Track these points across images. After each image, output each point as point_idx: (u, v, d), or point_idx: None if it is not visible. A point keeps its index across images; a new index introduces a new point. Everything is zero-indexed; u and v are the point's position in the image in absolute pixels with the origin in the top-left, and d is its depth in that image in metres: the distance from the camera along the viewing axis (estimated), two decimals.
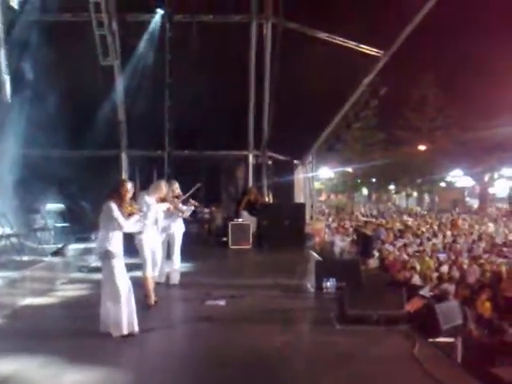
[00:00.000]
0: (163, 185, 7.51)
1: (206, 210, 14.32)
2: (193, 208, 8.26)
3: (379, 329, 6.01)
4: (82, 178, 12.39)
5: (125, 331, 5.71)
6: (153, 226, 7.25)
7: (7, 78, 11.03)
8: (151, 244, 7.21)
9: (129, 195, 5.92)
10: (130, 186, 5.93)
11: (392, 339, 5.76)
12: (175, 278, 8.39)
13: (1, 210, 8.96)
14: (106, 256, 5.74)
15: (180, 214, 8.17)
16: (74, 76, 11.75)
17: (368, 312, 6.19)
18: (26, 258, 8.49)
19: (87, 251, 10.44)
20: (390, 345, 5.62)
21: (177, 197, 8.05)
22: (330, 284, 7.86)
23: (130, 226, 5.89)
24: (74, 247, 10.22)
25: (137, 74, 12.48)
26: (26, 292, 7.35)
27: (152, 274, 7.21)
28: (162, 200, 7.37)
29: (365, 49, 12.55)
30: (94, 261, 10.32)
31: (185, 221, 8.69)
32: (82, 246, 10.54)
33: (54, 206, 11.02)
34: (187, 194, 8.18)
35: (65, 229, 10.88)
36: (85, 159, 12.67)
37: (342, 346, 5.57)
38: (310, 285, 8.22)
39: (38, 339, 5.60)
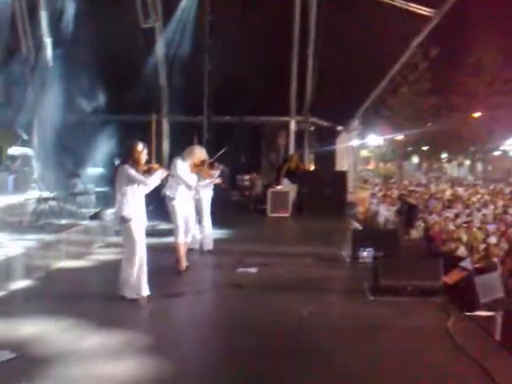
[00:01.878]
0: (197, 150, 7.36)
1: (247, 177, 14.20)
2: (218, 172, 8.07)
3: (413, 300, 5.76)
4: (122, 143, 12.43)
5: (142, 293, 5.71)
6: (185, 191, 7.15)
7: (48, 41, 11.07)
8: (184, 210, 7.14)
9: (143, 157, 5.76)
10: (141, 147, 5.75)
11: (426, 311, 5.52)
12: (208, 244, 8.33)
13: (40, 174, 9.11)
14: (122, 220, 5.70)
15: (209, 181, 8.02)
16: (114, 40, 11.66)
17: (403, 283, 5.95)
18: (63, 222, 8.63)
19: None
20: (423, 317, 5.38)
21: (202, 162, 7.90)
22: (366, 254, 7.63)
23: (152, 180, 5.75)
24: (112, 211, 10.31)
25: (177, 37, 12.27)
26: (62, 255, 7.47)
27: (184, 239, 7.17)
28: (196, 165, 7.23)
29: (415, 8, 11.84)
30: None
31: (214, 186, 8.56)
32: None
33: (94, 170, 11.14)
34: (213, 159, 8.01)
35: (104, 193, 11.00)
36: (126, 124, 12.67)
37: (373, 318, 5.37)
38: (346, 254, 8.00)
39: (66, 302, 5.67)
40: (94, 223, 9.06)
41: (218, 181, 8.16)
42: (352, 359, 4.42)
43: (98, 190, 10.92)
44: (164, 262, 7.16)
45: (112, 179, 11.09)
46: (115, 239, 9.38)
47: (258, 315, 5.43)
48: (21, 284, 6.15)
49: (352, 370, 4.20)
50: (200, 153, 7.42)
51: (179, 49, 12.32)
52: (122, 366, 4.08)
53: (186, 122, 13.72)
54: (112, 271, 7.10)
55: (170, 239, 7.42)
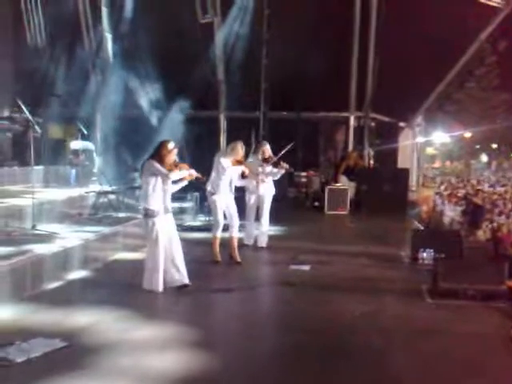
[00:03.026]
0: (240, 147, 7.27)
1: (304, 174, 14.04)
2: (283, 171, 7.95)
3: (475, 305, 5.45)
4: (181, 139, 12.59)
5: (158, 288, 5.71)
6: (226, 187, 7.13)
7: (109, 37, 11.35)
8: (224, 205, 7.16)
9: (171, 156, 5.78)
10: (171, 146, 5.78)
11: (487, 316, 5.20)
12: (263, 241, 8.29)
13: (101, 168, 9.34)
14: (146, 214, 5.72)
15: (260, 179, 7.90)
16: (173, 35, 11.81)
17: (463, 286, 5.65)
18: (122, 215, 8.81)
19: (183, 210, 10.66)
20: (484, 322, 5.06)
21: (267, 159, 7.82)
22: (426, 255, 7.31)
23: (175, 175, 5.78)
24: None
25: (235, 32, 12.27)
26: (119, 247, 7.63)
27: (234, 234, 7.27)
28: (239, 162, 7.17)
29: None
30: (189, 220, 10.58)
31: (276, 183, 8.49)
32: (177, 204, 10.75)
33: None
34: (278, 156, 7.89)
35: None
36: (185, 120, 12.82)
37: (430, 321, 5.12)
38: (405, 255, 7.71)
39: (120, 293, 5.77)
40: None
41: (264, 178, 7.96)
42: (404, 362, 4.23)
43: None
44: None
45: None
46: None
47: (309, 313, 5.31)
48: (78, 274, 6.30)
49: (403, 372, 4.01)
50: (242, 149, 7.32)
51: (237, 43, 12.31)
52: (170, 359, 4.07)
53: (243, 118, 13.72)
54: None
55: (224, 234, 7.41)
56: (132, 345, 4.34)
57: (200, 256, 7.39)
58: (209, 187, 7.25)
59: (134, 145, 11.03)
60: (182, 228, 9.79)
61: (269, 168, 8.03)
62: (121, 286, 6.00)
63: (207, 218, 9.89)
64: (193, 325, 4.88)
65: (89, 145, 10.29)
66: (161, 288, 5.73)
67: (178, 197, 10.80)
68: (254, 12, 12.09)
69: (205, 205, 10.03)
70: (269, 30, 11.89)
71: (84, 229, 7.49)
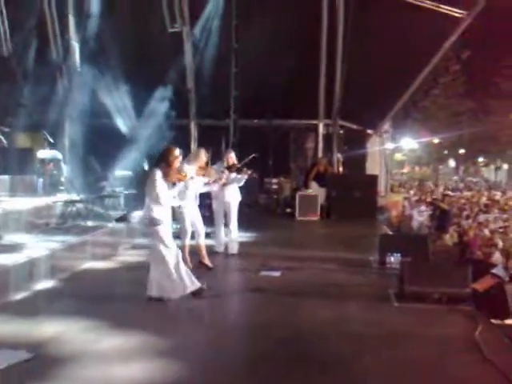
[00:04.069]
0: (203, 153, 7.29)
1: (275, 181, 14.12)
2: (246, 177, 8.02)
3: (440, 308, 5.56)
4: (151, 146, 12.53)
5: (172, 296, 5.71)
6: (193, 195, 7.16)
7: (76, 46, 11.26)
8: (191, 214, 7.19)
9: (177, 162, 5.82)
10: (178, 152, 5.82)
11: (452, 319, 5.31)
12: (233, 248, 8.31)
13: (69, 177, 9.23)
14: (151, 223, 5.70)
15: (222, 182, 7.88)
16: (141, 44, 11.79)
17: (429, 289, 5.75)
18: (90, 224, 8.72)
19: None
20: (449, 325, 5.17)
21: (231, 166, 7.88)
22: (393, 259, 7.43)
23: (169, 201, 5.81)
24: (139, 214, 10.36)
25: (204, 41, 12.32)
26: (87, 256, 7.54)
27: (201, 241, 7.30)
28: (202, 169, 7.19)
29: (445, 9, 11.55)
30: None
31: (247, 190, 8.55)
32: None
33: (122, 172, 11.24)
34: (241, 163, 7.98)
35: (132, 196, 11.08)
36: (154, 128, 12.76)
37: (396, 325, 5.21)
38: (374, 259, 7.82)
39: (89, 302, 5.69)
40: (120, 225, 9.12)
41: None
42: (372, 367, 4.28)
43: (126, 192, 11.00)
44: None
45: (141, 181, 11.26)
46: (142, 241, 9.45)
47: (278, 320, 5.33)
48: (44, 285, 6.21)
49: (371, 377, 4.06)
50: (205, 156, 7.33)
51: (206, 52, 12.35)
52: (137, 369, 4.05)
53: (214, 126, 13.74)
54: (137, 273, 7.16)
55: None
56: (99, 355, 4.30)
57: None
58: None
59: (103, 153, 10.96)
60: None
61: (233, 175, 8.07)
62: (88, 296, 5.92)
63: (175, 226, 9.84)
64: (161, 334, 4.85)
65: (56, 154, 10.17)
66: (181, 293, 5.73)
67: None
68: (223, 21, 12.14)
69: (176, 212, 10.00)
70: (238, 38, 11.95)
71: (51, 238, 7.38)
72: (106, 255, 8.02)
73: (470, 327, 4.96)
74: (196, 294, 5.81)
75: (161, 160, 5.76)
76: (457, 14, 11.59)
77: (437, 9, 11.65)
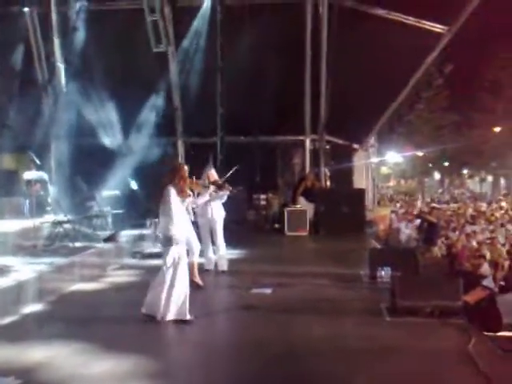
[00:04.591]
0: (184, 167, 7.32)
1: (263, 197, 14.13)
2: (228, 192, 8.00)
3: (432, 321, 5.55)
4: (138, 165, 12.49)
5: (186, 317, 5.64)
6: (184, 212, 7.10)
7: (62, 67, 11.25)
8: (187, 231, 7.09)
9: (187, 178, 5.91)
10: (186, 168, 5.96)
11: (445, 332, 5.30)
12: (223, 265, 8.27)
13: (55, 198, 9.15)
14: (169, 242, 5.63)
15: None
16: (127, 64, 11.81)
17: (421, 303, 5.75)
18: (78, 244, 8.63)
19: (142, 237, 10.53)
20: (443, 339, 5.16)
21: (213, 183, 7.87)
22: (384, 273, 7.42)
23: (183, 220, 5.84)
24: (128, 233, 10.32)
25: (189, 60, 12.37)
26: (75, 278, 7.44)
27: (194, 259, 7.20)
28: (190, 183, 7.17)
29: (427, 25, 11.76)
30: (148, 247, 10.44)
31: (235, 206, 8.54)
32: (136, 232, 10.63)
33: (109, 192, 11.18)
34: (223, 179, 7.97)
35: (120, 215, 11.01)
36: (140, 147, 12.74)
37: (389, 340, 5.19)
38: (364, 274, 7.81)
39: (78, 325, 5.60)
40: (108, 245, 9.04)
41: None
42: (368, 383, 4.25)
43: (114, 212, 10.93)
44: None
45: (128, 200, 11.19)
46: (131, 261, 9.40)
47: (271, 338, 5.28)
48: (32, 308, 6.11)
49: None
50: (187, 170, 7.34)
51: (192, 71, 12.40)
52: None
53: (201, 143, 13.76)
54: (126, 294, 7.14)
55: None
56: (89, 379, 4.23)
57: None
58: None
59: (90, 173, 10.90)
60: (141, 255, 9.71)
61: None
62: (78, 319, 5.83)
63: None
64: (153, 356, 4.77)
65: (43, 175, 10.11)
66: (162, 318, 5.63)
67: (137, 223, 10.75)
68: (208, 40, 12.22)
69: None
70: (223, 56, 12.02)
71: (39, 260, 7.30)
72: (95, 276, 7.92)
73: (463, 340, 4.96)
74: (179, 322, 5.67)
75: (173, 177, 5.73)
76: (438, 30, 11.78)
77: (419, 24, 11.85)
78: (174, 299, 5.62)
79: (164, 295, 5.64)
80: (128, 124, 12.43)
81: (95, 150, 11.69)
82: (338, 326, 5.65)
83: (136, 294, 7.00)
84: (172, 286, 5.64)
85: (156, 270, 8.29)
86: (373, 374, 4.43)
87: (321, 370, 4.53)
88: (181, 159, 13.67)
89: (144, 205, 11.27)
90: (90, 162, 11.03)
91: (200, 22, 12.21)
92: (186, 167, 5.90)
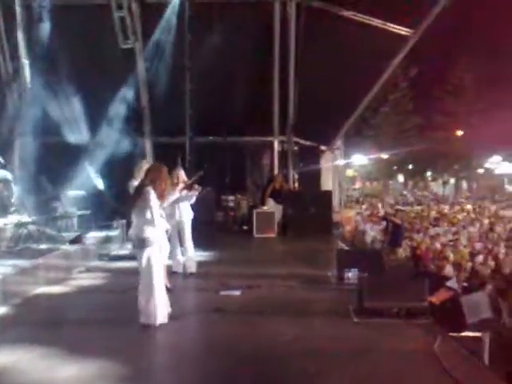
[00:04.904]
0: (144, 166, 7.27)
1: (231, 198, 14.10)
2: (197, 193, 7.95)
3: (399, 322, 5.64)
4: (105, 165, 12.29)
5: (157, 322, 5.56)
6: None
7: (26, 63, 10.97)
8: None
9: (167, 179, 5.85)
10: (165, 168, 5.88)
11: (411, 333, 5.39)
12: (191, 267, 8.21)
13: (19, 198, 8.92)
14: (143, 244, 5.54)
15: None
16: (94, 60, 11.61)
17: (388, 304, 5.84)
18: (43, 246, 8.44)
19: (108, 239, 10.37)
20: (409, 339, 5.25)
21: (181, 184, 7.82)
22: (351, 274, 7.52)
23: (160, 222, 5.74)
24: (94, 235, 10.14)
25: (157, 58, 12.23)
26: (40, 280, 7.28)
27: (164, 261, 7.04)
28: None
29: (392, 28, 11.90)
30: (115, 249, 10.29)
31: (204, 207, 8.49)
32: (103, 233, 10.47)
33: (75, 193, 10.96)
34: (191, 180, 7.93)
35: (86, 216, 10.81)
36: (107, 146, 12.52)
37: (357, 340, 5.25)
38: (332, 275, 7.88)
39: (43, 329, 5.50)
40: (73, 247, 8.86)
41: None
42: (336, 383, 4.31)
43: (80, 212, 10.72)
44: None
45: (94, 201, 10.98)
46: (97, 263, 9.25)
47: (240, 340, 5.28)
48: None
49: None
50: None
51: (160, 69, 12.26)
52: None
53: (169, 143, 13.63)
54: (92, 297, 7.03)
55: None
56: None
57: (129, 286, 7.17)
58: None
59: (55, 172, 10.67)
60: (108, 257, 9.57)
61: (183, 192, 7.98)
62: (42, 323, 5.71)
63: None
64: (120, 359, 4.71)
65: (6, 174, 9.83)
66: (161, 321, 5.56)
67: (103, 225, 10.58)
68: (177, 37, 12.10)
69: None
70: (191, 55, 11.92)
71: (2, 263, 7.12)
72: (60, 279, 7.76)
73: (428, 340, 5.05)
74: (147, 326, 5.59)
75: (154, 178, 5.63)
76: (404, 32, 11.91)
77: (385, 27, 11.97)
78: (147, 302, 5.56)
79: (143, 298, 5.58)
80: (95, 122, 12.21)
81: (61, 149, 11.45)
82: (306, 327, 5.69)
83: (102, 297, 6.96)
84: (148, 288, 5.56)
85: (123, 273, 8.32)
86: (341, 374, 4.48)
87: (290, 371, 4.56)
88: (148, 159, 13.49)
89: (111, 205, 11.12)
90: (55, 161, 10.80)
91: (168, 20, 12.07)
92: (165, 169, 5.80)
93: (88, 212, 10.85)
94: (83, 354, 4.78)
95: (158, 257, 5.65)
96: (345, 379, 4.39)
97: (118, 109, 12.22)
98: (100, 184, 11.68)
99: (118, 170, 11.61)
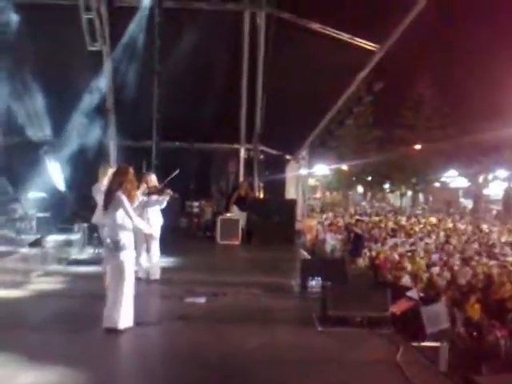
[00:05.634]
0: (109, 170, 7.22)
1: (196, 204, 14.03)
2: (168, 198, 7.88)
3: (362, 331, 5.75)
4: (67, 167, 12.05)
5: (121, 325, 5.53)
6: None
7: None
8: None
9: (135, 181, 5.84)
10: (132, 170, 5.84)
11: (374, 342, 5.51)
12: (156, 273, 8.12)
13: None
14: (116, 247, 5.49)
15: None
16: (60, 62, 11.38)
17: (351, 313, 5.95)
18: (1, 249, 8.19)
19: (69, 243, 10.15)
20: (372, 348, 5.37)
21: (151, 188, 7.74)
22: (315, 283, 7.60)
23: (141, 223, 5.83)
24: (54, 238, 9.90)
25: (125, 61, 12.09)
26: None
27: None
28: None
29: (359, 42, 12.13)
30: (75, 253, 10.08)
31: (168, 213, 8.42)
32: (63, 237, 10.23)
33: (35, 195, 10.69)
34: (163, 184, 7.86)
35: (46, 219, 10.55)
36: (71, 149, 12.28)
37: (321, 349, 5.34)
38: (296, 284, 7.95)
39: (0, 334, 5.31)
40: (32, 251, 8.64)
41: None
42: None
43: (40, 215, 10.46)
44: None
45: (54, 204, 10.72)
46: (57, 267, 9.03)
47: (205, 348, 5.27)
48: None
49: None
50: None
51: (128, 73, 12.13)
52: None
53: (134, 147, 13.47)
54: (51, 301, 6.87)
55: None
56: None
57: (90, 291, 7.07)
58: (95, 219, 7.09)
59: (16, 174, 10.39)
60: (68, 261, 9.36)
61: (154, 197, 7.90)
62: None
63: (96, 251, 9.51)
64: (81, 366, 4.63)
65: None
66: (126, 325, 5.51)
67: (63, 228, 10.35)
68: (146, 42, 12.01)
69: (93, 236, 9.66)
70: (160, 60, 11.84)
71: None
72: (18, 283, 7.54)
73: (391, 350, 5.18)
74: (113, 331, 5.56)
75: (122, 181, 5.62)
76: (370, 47, 12.15)
77: (352, 41, 12.18)
78: (114, 305, 5.50)
79: (111, 302, 5.54)
80: (58, 123, 11.95)
81: (22, 149, 11.16)
82: (271, 336, 5.73)
83: (61, 302, 6.82)
84: (117, 292, 5.50)
85: (83, 277, 8.17)
86: (306, 382, 4.53)
87: (255, 379, 4.60)
88: (112, 162, 13.29)
89: (72, 208, 10.90)
90: (16, 163, 10.51)
91: (138, 24, 11.95)
92: (132, 171, 5.77)
93: (48, 214, 10.59)
94: (42, 361, 4.69)
95: (131, 261, 5.62)
96: None
97: (82, 110, 12.01)
98: (62, 186, 11.43)
99: (80, 172, 11.43)
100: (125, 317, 5.57)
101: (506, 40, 29.52)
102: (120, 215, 5.58)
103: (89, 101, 12.16)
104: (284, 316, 6.57)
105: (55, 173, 11.44)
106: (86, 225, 10.07)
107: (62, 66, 11.43)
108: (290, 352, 5.29)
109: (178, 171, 7.82)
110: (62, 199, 11.42)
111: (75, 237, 10.29)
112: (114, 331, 5.51)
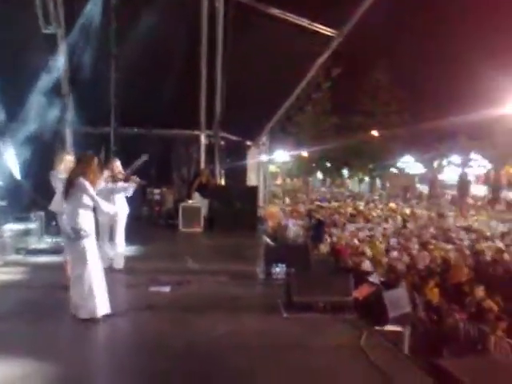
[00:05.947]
0: (67, 156, 7.15)
1: (157, 191, 13.86)
2: (134, 185, 7.75)
3: (326, 317, 5.85)
4: (23, 154, 11.65)
5: (97, 315, 5.49)
6: None
7: None
8: None
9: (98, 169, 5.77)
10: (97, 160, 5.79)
11: (338, 328, 5.61)
12: (119, 263, 8.01)
13: None
14: (77, 236, 5.39)
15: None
16: (13, 45, 10.93)
17: (315, 298, 6.03)
18: None
19: (27, 232, 9.87)
20: (336, 334, 5.47)
21: (116, 174, 7.59)
22: (279, 269, 7.66)
23: (107, 206, 5.83)
24: (11, 227, 9.61)
25: (81, 45, 11.72)
26: None
27: None
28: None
29: (318, 27, 12.13)
30: (34, 242, 9.83)
31: (130, 201, 8.28)
32: (20, 226, 9.93)
33: None
34: (129, 170, 7.71)
35: (3, 208, 10.20)
36: (26, 135, 11.88)
37: (287, 335, 5.41)
38: (260, 270, 7.99)
39: None
40: None
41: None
42: (266, 379, 4.42)
43: None
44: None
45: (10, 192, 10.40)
46: (15, 257, 8.82)
47: (171, 337, 5.26)
48: None
49: None
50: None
51: (84, 57, 11.75)
52: None
53: (92, 133, 13.13)
54: (11, 292, 6.70)
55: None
56: None
57: (51, 281, 6.92)
58: (53, 207, 6.94)
59: None
60: (26, 251, 9.12)
61: (120, 184, 7.74)
62: None
63: (54, 240, 9.29)
64: (49, 359, 4.56)
65: None
66: (103, 312, 5.48)
67: (20, 217, 10.05)
68: (102, 25, 11.66)
69: (51, 225, 9.43)
70: (117, 43, 11.52)
71: None
72: None
73: (355, 334, 5.29)
74: (87, 321, 5.50)
75: (84, 169, 5.54)
76: (328, 33, 12.18)
77: (311, 27, 12.17)
78: (84, 295, 5.43)
79: (76, 292, 5.49)
80: (12, 108, 11.51)
81: None
82: (237, 323, 5.76)
83: (21, 292, 6.67)
84: (82, 281, 5.42)
85: (42, 267, 8.00)
86: (272, 370, 4.59)
87: (222, 367, 4.62)
88: (69, 149, 12.94)
89: (29, 196, 10.59)
90: None
91: (93, 5, 11.56)
92: (95, 159, 5.70)
93: (4, 203, 10.24)
94: (7, 353, 4.61)
95: (93, 248, 5.55)
96: (275, 375, 4.50)
97: (37, 95, 11.59)
98: (17, 174, 11.07)
99: (36, 159, 11.08)
100: (101, 305, 5.52)
101: (464, 24, 30.22)
102: (82, 202, 5.50)
103: (44, 86, 11.74)
104: (249, 303, 6.60)
105: (10, 160, 11.06)
106: (43, 213, 9.81)
107: (15, 49, 10.98)
108: (257, 338, 5.34)
109: (146, 157, 7.68)
110: (18, 187, 11.05)
111: (33, 226, 10.01)
112: (92, 319, 5.47)
